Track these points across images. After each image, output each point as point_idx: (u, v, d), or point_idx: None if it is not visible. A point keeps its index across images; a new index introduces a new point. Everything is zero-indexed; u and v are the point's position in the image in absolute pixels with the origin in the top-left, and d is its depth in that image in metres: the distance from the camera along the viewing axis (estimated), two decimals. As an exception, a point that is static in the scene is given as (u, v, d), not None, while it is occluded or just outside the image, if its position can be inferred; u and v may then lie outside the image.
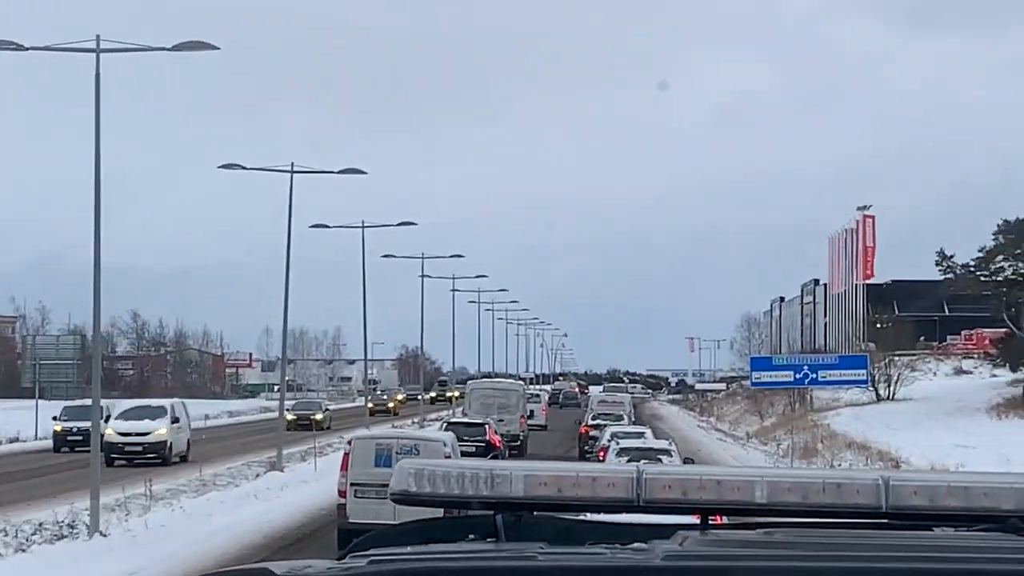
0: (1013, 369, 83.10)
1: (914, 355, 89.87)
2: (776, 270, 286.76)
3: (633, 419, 69.97)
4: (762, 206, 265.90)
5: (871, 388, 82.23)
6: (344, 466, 27.12)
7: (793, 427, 77.59)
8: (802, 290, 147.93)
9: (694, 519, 3.23)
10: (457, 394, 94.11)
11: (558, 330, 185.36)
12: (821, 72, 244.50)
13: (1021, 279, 70.57)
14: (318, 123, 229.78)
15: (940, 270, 72.84)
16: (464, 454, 34.79)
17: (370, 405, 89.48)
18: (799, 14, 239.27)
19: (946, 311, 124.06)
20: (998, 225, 70.42)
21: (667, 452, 37.41)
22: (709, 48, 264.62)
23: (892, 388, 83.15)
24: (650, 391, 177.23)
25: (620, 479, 3.15)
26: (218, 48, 34.02)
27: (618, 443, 39.72)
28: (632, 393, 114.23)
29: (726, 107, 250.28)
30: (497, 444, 49.33)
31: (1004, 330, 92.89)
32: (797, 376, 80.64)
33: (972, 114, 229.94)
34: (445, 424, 53.19)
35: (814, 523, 3.16)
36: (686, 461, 35.99)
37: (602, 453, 40.31)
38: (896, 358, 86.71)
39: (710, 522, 3.23)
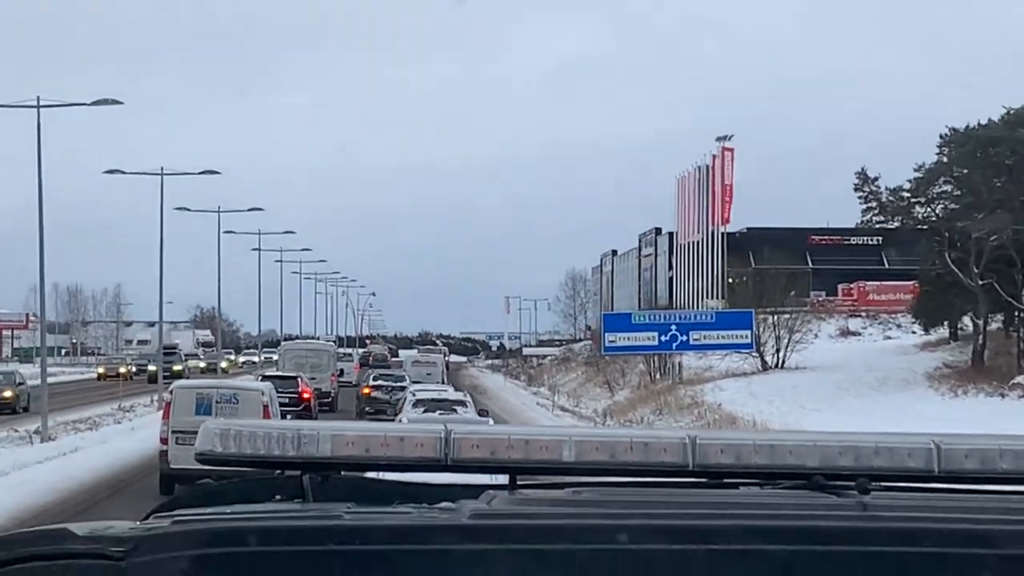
0: (927, 329, 66.53)
1: (787, 312, 72.36)
2: (609, 228, 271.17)
3: (445, 381, 66.48)
4: (594, 173, 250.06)
5: (755, 354, 64.91)
6: (166, 414, 28.72)
7: (662, 403, 60.04)
8: (640, 241, 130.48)
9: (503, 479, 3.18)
10: (203, 366, 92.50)
11: (364, 287, 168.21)
12: (662, 35, 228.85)
13: (966, 209, 53.29)
14: (131, 80, 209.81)
15: (860, 197, 55.46)
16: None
17: None
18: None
19: (809, 263, 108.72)
20: (942, 136, 53.10)
21: (462, 403, 38.49)
22: (546, 10, 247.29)
23: (781, 354, 65.91)
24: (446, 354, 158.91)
25: (428, 439, 3.09)
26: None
27: (414, 395, 40.55)
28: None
29: (562, 71, 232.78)
30: (307, 396, 50.75)
31: (911, 283, 76.35)
32: (663, 338, 63.04)
33: (820, 74, 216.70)
34: (261, 377, 53.37)
35: (622, 482, 3.14)
36: (481, 413, 37.56)
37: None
38: (768, 316, 69.17)
39: (519, 482, 3.17)
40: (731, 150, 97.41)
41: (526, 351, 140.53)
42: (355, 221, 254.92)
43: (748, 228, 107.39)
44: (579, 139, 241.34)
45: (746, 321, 63.15)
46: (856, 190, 55.61)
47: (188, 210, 70.92)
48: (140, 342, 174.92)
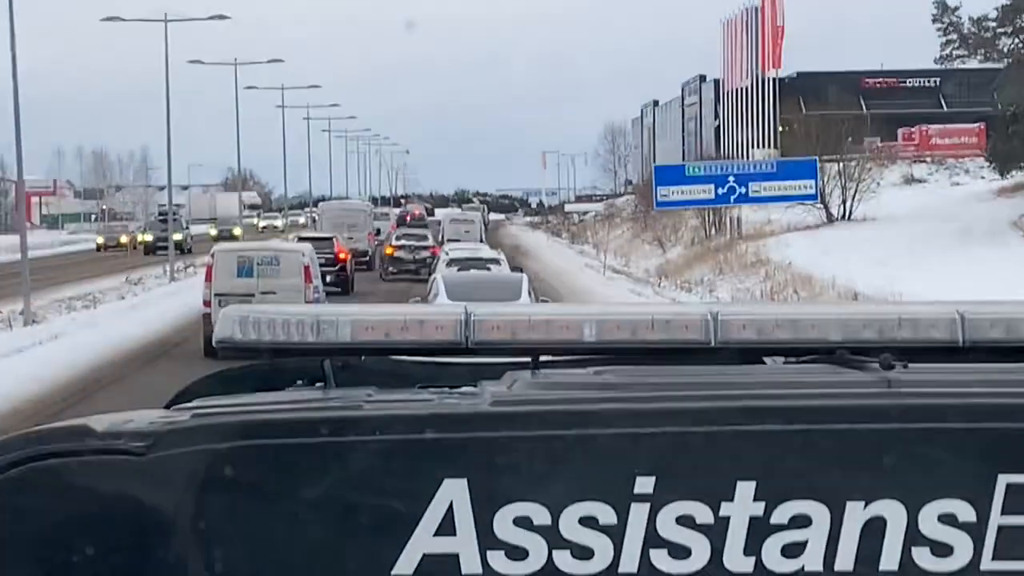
0: (1003, 173, 61.48)
1: (853, 160, 67.13)
2: (649, 79, 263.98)
3: (484, 240, 64.46)
4: (633, 20, 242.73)
5: (820, 205, 59.96)
6: (208, 277, 29.37)
7: (721, 261, 55.27)
8: (683, 90, 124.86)
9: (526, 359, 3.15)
10: (214, 233, 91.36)
11: (397, 145, 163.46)
12: None
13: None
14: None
15: (939, 29, 50.10)
16: None
17: None
18: None
19: (864, 108, 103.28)
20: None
21: (495, 261, 38.02)
22: None
23: (847, 205, 60.94)
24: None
25: (448, 322, 3.08)
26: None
27: (448, 254, 39.77)
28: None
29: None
30: (344, 256, 49.67)
31: (976, 125, 71.22)
32: (720, 191, 57.81)
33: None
34: (297, 238, 53.24)
35: (645, 360, 3.12)
36: (515, 270, 36.70)
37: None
38: (831, 164, 64.00)
39: (541, 362, 3.16)
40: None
41: (567, 207, 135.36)
42: (384, 77, 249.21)
43: (798, 72, 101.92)
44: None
45: (810, 170, 58.00)
46: (934, 21, 50.57)
47: (202, 63, 67.16)
48: (178, 206, 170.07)
